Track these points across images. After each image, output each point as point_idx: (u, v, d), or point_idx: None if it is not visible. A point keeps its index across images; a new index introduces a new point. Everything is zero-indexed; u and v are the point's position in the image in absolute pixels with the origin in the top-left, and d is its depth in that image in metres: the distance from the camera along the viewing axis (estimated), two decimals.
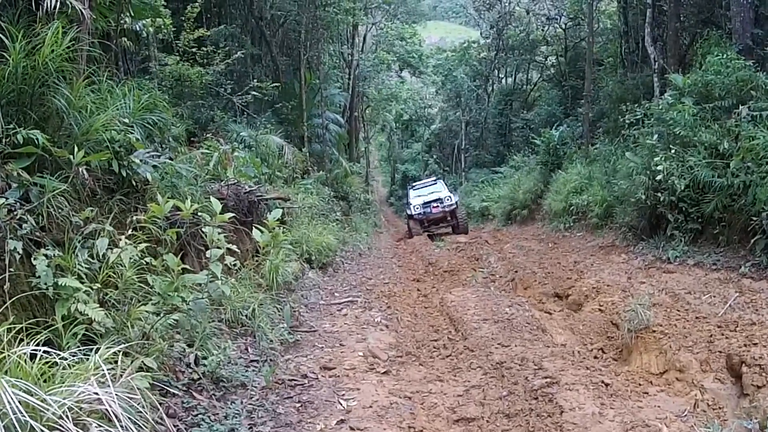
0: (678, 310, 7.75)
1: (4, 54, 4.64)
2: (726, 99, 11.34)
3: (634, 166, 13.22)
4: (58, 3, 5.21)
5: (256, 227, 6.88)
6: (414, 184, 30.94)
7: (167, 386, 4.22)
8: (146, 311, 4.30)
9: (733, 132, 10.85)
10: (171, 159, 6.99)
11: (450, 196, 25.91)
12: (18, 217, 3.89)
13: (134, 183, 5.60)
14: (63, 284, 3.73)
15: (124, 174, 5.40)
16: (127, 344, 3.83)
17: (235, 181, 8.73)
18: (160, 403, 3.83)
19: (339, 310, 8.97)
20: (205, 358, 4.93)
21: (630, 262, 11.99)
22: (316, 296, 9.62)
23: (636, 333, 7.07)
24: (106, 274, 4.20)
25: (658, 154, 11.83)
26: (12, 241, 3.69)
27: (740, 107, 10.40)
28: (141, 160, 5.61)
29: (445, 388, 5.79)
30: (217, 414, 4.33)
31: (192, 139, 11.03)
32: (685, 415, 5.09)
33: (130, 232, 4.86)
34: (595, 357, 7.36)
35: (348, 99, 30.35)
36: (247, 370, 5.28)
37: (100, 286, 4.06)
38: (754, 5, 12.89)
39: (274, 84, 16.98)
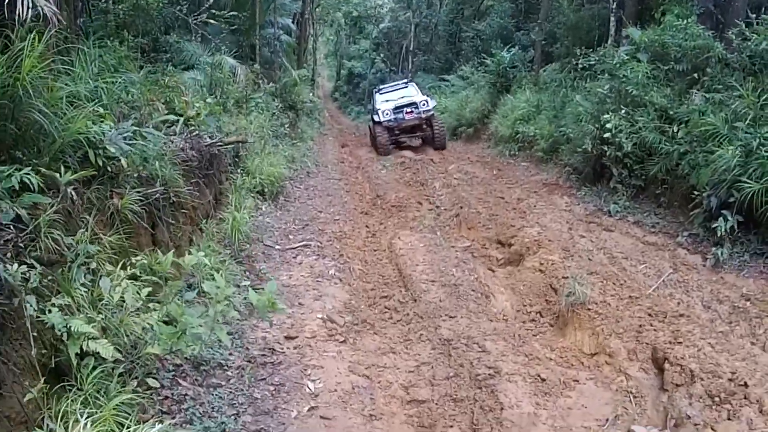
0: (613, 283, 8.42)
1: None
2: (681, 63, 11.78)
3: (584, 113, 13.81)
4: (30, 10, 5.28)
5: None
6: (380, 87, 27.43)
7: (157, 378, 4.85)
8: (154, 352, 4.82)
9: (685, 98, 11.51)
10: (138, 124, 7.19)
11: (426, 100, 22.78)
12: (13, 242, 4.14)
13: (109, 169, 5.83)
14: (75, 329, 4.09)
15: (101, 163, 5.64)
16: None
17: (196, 132, 8.99)
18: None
19: (294, 258, 9.51)
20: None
21: (572, 208, 12.63)
22: (271, 239, 10.16)
23: (572, 307, 7.73)
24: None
25: (608, 108, 12.41)
26: (28, 297, 3.98)
27: (694, 92, 10.87)
28: (114, 143, 5.84)
29: (398, 362, 6.50)
30: (203, 404, 4.94)
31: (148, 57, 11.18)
32: (607, 425, 5.87)
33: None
34: (533, 320, 8.14)
35: (301, 5, 29.76)
36: (220, 345, 5.87)
37: (102, 317, 4.51)
38: None
39: None
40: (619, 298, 8.03)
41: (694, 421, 5.53)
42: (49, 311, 4.13)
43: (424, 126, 22.86)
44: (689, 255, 9.61)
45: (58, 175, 4.92)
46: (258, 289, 7.59)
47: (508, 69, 23.41)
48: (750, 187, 8.58)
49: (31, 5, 5.28)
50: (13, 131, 4.87)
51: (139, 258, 5.60)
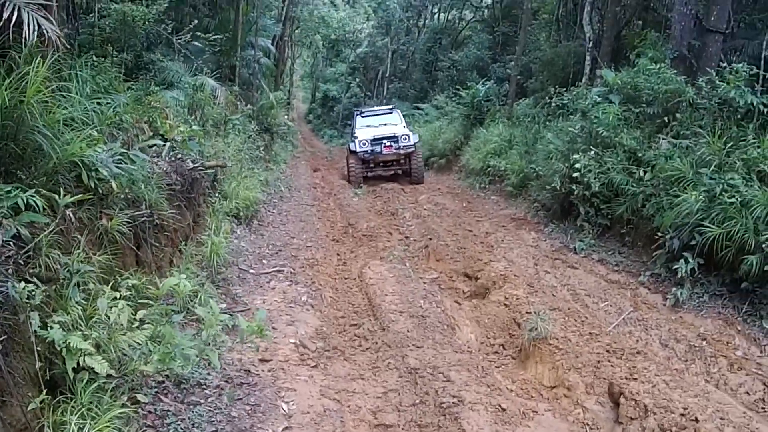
0: (575, 320, 8.85)
1: None
2: (652, 106, 12.27)
3: (554, 151, 14.33)
4: (35, 32, 5.58)
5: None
6: (363, 110, 26.74)
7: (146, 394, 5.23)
8: (147, 370, 5.20)
9: (654, 141, 12.05)
10: (125, 146, 7.55)
11: (408, 135, 21.99)
12: (13, 260, 4.40)
13: (100, 191, 6.10)
14: (74, 345, 4.40)
15: (93, 185, 5.92)
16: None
17: (179, 156, 9.33)
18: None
19: (268, 282, 9.83)
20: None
21: (539, 244, 13.05)
22: (245, 263, 10.51)
23: (534, 342, 8.15)
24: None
25: (578, 148, 12.91)
26: (32, 313, 4.30)
27: (661, 138, 11.37)
28: (106, 166, 6.13)
29: (366, 388, 6.88)
30: (184, 420, 5.28)
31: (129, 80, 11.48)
32: None
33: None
34: (496, 352, 8.57)
35: (281, 28, 29.95)
36: (199, 365, 6.24)
37: (98, 335, 4.86)
38: (695, 16, 13.62)
39: (207, 16, 17.41)
40: (579, 334, 8.45)
41: None
42: (51, 327, 4.45)
43: (402, 161, 22.39)
44: (650, 294, 10.08)
45: (57, 196, 5.22)
46: (233, 312, 8.01)
47: (482, 102, 23.83)
48: (712, 231, 9.07)
49: (36, 27, 5.55)
50: (14, 151, 5.16)
51: (128, 279, 5.98)
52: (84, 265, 5.26)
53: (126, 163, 6.83)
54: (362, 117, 24.41)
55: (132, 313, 5.28)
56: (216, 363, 5.86)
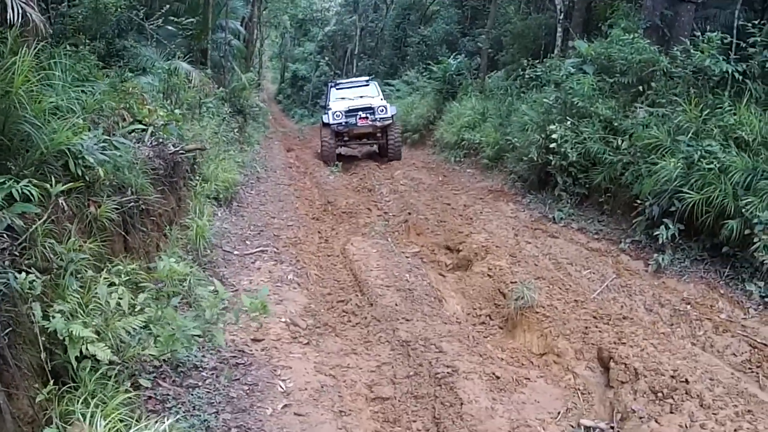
0: (559, 288, 8.95)
1: None
2: (626, 75, 12.32)
3: (530, 123, 14.40)
4: (20, 17, 5.52)
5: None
6: (339, 81, 25.30)
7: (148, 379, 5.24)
8: (151, 354, 5.19)
9: (629, 110, 12.15)
10: (107, 132, 7.49)
11: (385, 107, 20.71)
12: (9, 251, 4.38)
13: (87, 178, 6.03)
14: (77, 334, 4.39)
15: (80, 173, 5.87)
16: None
17: (160, 140, 9.28)
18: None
19: (252, 263, 9.80)
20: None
21: (518, 215, 13.17)
22: (229, 245, 10.48)
23: (521, 311, 8.23)
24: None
25: (554, 119, 12.99)
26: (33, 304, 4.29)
27: (638, 107, 11.44)
28: (92, 153, 6.08)
29: (359, 362, 6.94)
30: (185, 403, 5.28)
31: (104, 67, 11.37)
32: (559, 417, 6.40)
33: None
34: (482, 323, 8.64)
35: (251, 9, 29.64)
36: (193, 347, 6.23)
37: (98, 322, 4.86)
38: None
39: (177, 0, 17.23)
40: (565, 302, 8.55)
41: (639, 415, 6.04)
42: (53, 317, 4.42)
43: (378, 134, 21.14)
44: (632, 261, 10.22)
45: (48, 185, 5.17)
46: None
47: (454, 76, 23.80)
48: (691, 197, 9.18)
49: (20, 13, 5.49)
50: (2, 141, 5.13)
51: (118, 265, 5.95)
52: (78, 254, 5.22)
53: (110, 150, 6.77)
54: (337, 89, 23.28)
55: (132, 298, 5.26)
56: (221, 342, 5.87)
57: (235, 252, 10.26)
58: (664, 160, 9.90)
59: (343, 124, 20.58)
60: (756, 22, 10.69)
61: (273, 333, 7.30)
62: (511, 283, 9.07)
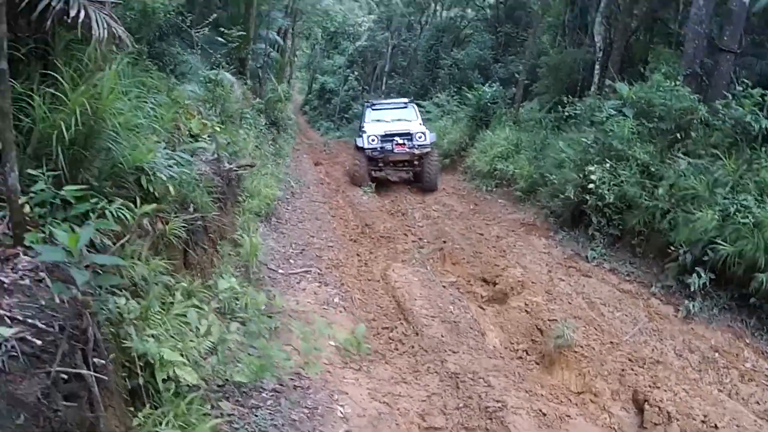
0: (594, 328, 9.47)
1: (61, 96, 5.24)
2: (665, 121, 12.81)
3: (567, 161, 14.87)
4: (105, 31, 5.43)
5: None
6: (374, 102, 23.77)
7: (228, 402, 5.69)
8: (239, 380, 5.63)
9: (666, 155, 12.60)
10: (170, 147, 7.83)
11: (424, 133, 19.67)
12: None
13: (157, 195, 6.32)
14: (167, 357, 4.82)
15: (151, 189, 6.17)
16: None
17: (215, 156, 9.72)
18: None
19: (297, 283, 10.32)
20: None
21: (550, 251, 13.61)
22: (273, 263, 10.96)
23: (560, 349, 8.72)
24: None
25: (593, 160, 13.45)
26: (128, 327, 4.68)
27: (681, 160, 11.86)
28: (164, 170, 6.44)
29: (410, 391, 7.42)
30: (250, 424, 5.72)
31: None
32: None
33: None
34: (520, 357, 9.11)
35: (290, 20, 29.89)
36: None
37: (184, 345, 5.26)
38: (708, 35, 14.21)
39: (219, 8, 17.72)
40: (601, 343, 9.07)
41: None
42: (145, 340, 4.85)
43: (415, 162, 20.04)
44: (662, 305, 10.72)
45: (132, 204, 5.57)
46: (273, 313, 8.44)
47: (488, 104, 23.94)
48: (725, 248, 9.69)
49: (105, 26, 5.46)
50: (84, 157, 5.40)
51: (181, 282, 6.39)
52: (164, 276, 5.67)
53: (178, 167, 7.10)
54: (373, 110, 22.03)
55: (225, 326, 5.69)
56: (316, 372, 6.35)
57: (280, 271, 10.76)
58: (701, 211, 10.38)
59: (378, 149, 19.70)
60: None
61: (324, 357, 7.76)
62: (549, 320, 9.59)
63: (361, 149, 19.94)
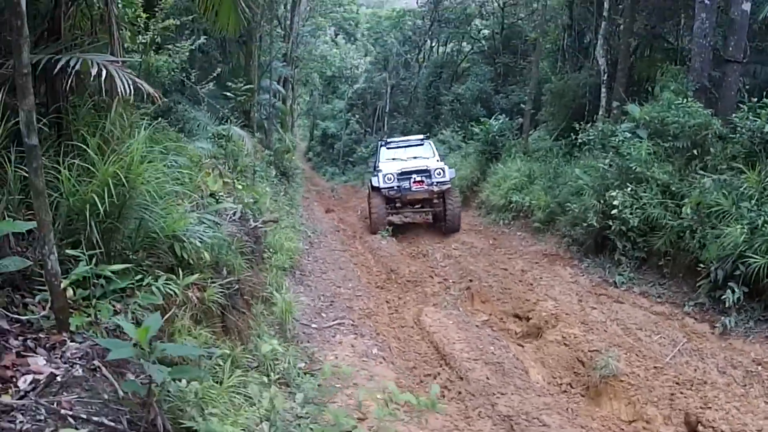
0: (636, 354, 9.53)
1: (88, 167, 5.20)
2: (680, 139, 13.00)
3: (585, 188, 15.00)
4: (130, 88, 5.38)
5: None
6: (390, 140, 22.97)
7: None
8: None
9: (684, 173, 12.75)
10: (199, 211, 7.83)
11: (443, 169, 18.88)
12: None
13: (191, 262, 6.27)
14: None
15: (185, 256, 6.11)
16: None
17: (241, 214, 9.85)
18: None
19: (333, 336, 10.37)
20: None
21: (577, 279, 13.72)
22: (305, 317, 11.03)
23: (605, 379, 8.81)
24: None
25: (612, 184, 13.60)
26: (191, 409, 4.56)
27: (705, 179, 11.92)
28: (197, 236, 6.38)
29: None
30: None
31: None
32: None
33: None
34: (564, 392, 9.19)
35: (291, 69, 30.06)
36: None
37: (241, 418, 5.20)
38: (714, 47, 14.50)
39: (220, 62, 17.94)
40: (645, 369, 9.13)
41: None
42: (207, 419, 4.70)
43: (435, 200, 19.21)
44: (697, 324, 10.83)
45: (173, 275, 5.64)
46: (314, 371, 8.49)
47: (496, 137, 24.07)
48: (756, 261, 9.79)
49: (130, 85, 5.38)
50: (117, 228, 5.32)
51: (223, 349, 6.43)
52: (215, 349, 5.73)
53: (209, 231, 7.03)
54: (387, 148, 21.27)
55: (287, 397, 5.74)
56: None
57: (313, 325, 10.83)
58: (728, 227, 10.47)
59: (395, 188, 18.84)
60: None
61: (373, 411, 7.80)
62: (590, 351, 9.67)
63: (377, 189, 19.09)
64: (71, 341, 4.30)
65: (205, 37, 16.13)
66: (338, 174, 43.54)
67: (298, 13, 27.20)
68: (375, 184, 19.29)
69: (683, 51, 17.46)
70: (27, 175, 4.28)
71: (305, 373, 8.19)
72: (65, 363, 4.06)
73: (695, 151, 12.83)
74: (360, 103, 49.19)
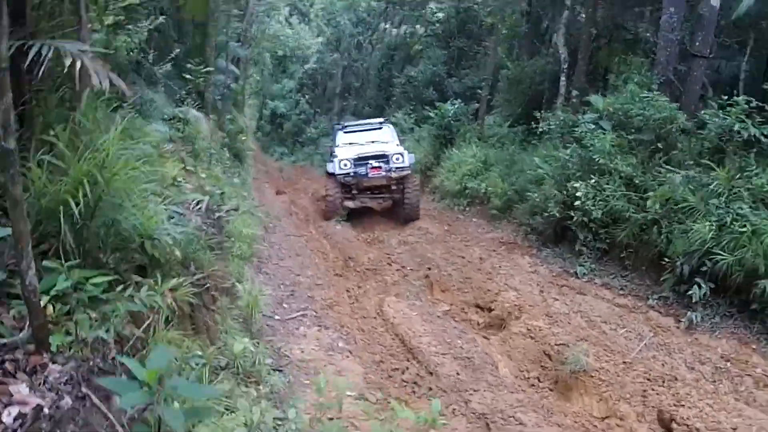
0: (603, 348, 9.50)
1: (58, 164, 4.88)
2: (644, 132, 13.07)
3: (546, 177, 14.99)
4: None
5: None
6: (346, 124, 22.32)
7: None
8: None
9: (648, 166, 12.81)
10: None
11: (401, 154, 18.32)
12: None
13: (161, 260, 5.94)
14: None
15: (156, 255, 5.76)
16: None
17: (206, 203, 9.50)
18: None
19: (297, 329, 10.11)
20: None
21: (537, 269, 13.69)
22: (268, 308, 10.73)
23: (575, 374, 8.78)
24: None
25: (573, 175, 13.61)
26: None
27: (676, 176, 11.94)
28: (168, 232, 5.95)
29: None
30: None
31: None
32: None
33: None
34: (532, 386, 9.12)
35: (247, 51, 29.52)
36: None
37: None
38: (680, 42, 14.60)
39: (176, 41, 17.48)
40: (614, 364, 9.11)
41: None
42: None
43: (393, 187, 18.63)
44: (662, 317, 10.93)
45: (153, 282, 5.35)
46: (281, 367, 8.28)
47: (451, 122, 23.86)
48: (723, 258, 9.86)
49: (106, 78, 5.14)
50: (88, 229, 4.97)
51: (195, 350, 6.22)
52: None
53: (177, 225, 6.67)
54: (344, 132, 20.68)
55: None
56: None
57: (276, 317, 10.57)
58: (696, 223, 10.52)
59: (352, 174, 18.27)
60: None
61: (345, 410, 7.63)
62: (556, 345, 9.64)
63: (333, 175, 18.60)
64: (52, 362, 3.95)
65: (163, 17, 15.65)
66: (287, 154, 43.14)
67: None
68: (331, 170, 18.71)
69: (645, 42, 17.51)
70: None
71: (273, 370, 7.96)
72: (50, 390, 3.72)
73: (659, 145, 12.91)
74: (311, 84, 48.78)
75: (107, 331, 4.41)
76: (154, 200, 6.35)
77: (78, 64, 4.60)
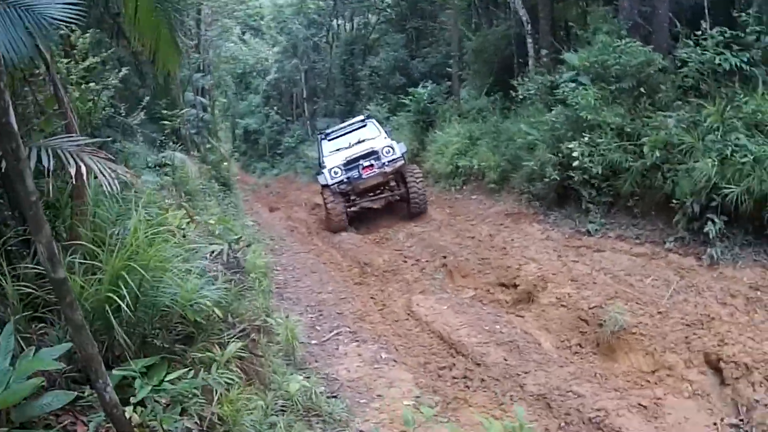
0: (636, 302, 9.74)
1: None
2: (625, 81, 13.25)
3: (537, 143, 15.17)
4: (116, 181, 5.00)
5: None
6: (329, 131, 21.10)
7: None
8: None
9: (634, 110, 13.04)
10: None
11: (391, 146, 17.83)
12: None
13: (203, 323, 6.01)
14: None
15: (199, 319, 5.81)
16: None
17: (229, 253, 9.62)
18: None
19: (336, 349, 10.24)
20: None
21: (548, 234, 13.89)
22: (303, 335, 10.86)
23: (617, 334, 9.02)
24: None
25: (565, 136, 13.81)
26: None
27: (668, 119, 12.04)
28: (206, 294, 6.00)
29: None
30: None
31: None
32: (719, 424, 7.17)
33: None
34: (576, 353, 9.35)
35: (210, 79, 29.52)
36: None
37: None
38: None
39: (140, 87, 17.52)
40: (650, 316, 9.35)
41: (764, 403, 7.03)
42: None
43: (392, 182, 18.24)
44: (683, 258, 11.14)
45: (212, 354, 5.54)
46: (334, 395, 8.39)
47: (427, 105, 23.89)
48: (731, 190, 10.08)
49: (111, 172, 4.98)
50: (138, 318, 5.12)
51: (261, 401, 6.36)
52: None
53: (210, 284, 6.66)
54: (329, 140, 19.99)
55: None
56: None
57: (313, 342, 10.67)
58: (697, 161, 10.74)
59: (345, 180, 17.79)
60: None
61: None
62: (589, 309, 9.85)
63: (327, 187, 18.03)
64: None
65: (126, 68, 15.69)
66: (268, 168, 43.23)
67: (203, 19, 26.41)
68: (323, 182, 18.24)
69: None
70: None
71: (328, 397, 8.10)
72: None
73: (642, 90, 13.10)
74: (276, 94, 48.72)
75: (190, 417, 4.62)
76: (179, 265, 6.46)
77: (83, 168, 4.73)
